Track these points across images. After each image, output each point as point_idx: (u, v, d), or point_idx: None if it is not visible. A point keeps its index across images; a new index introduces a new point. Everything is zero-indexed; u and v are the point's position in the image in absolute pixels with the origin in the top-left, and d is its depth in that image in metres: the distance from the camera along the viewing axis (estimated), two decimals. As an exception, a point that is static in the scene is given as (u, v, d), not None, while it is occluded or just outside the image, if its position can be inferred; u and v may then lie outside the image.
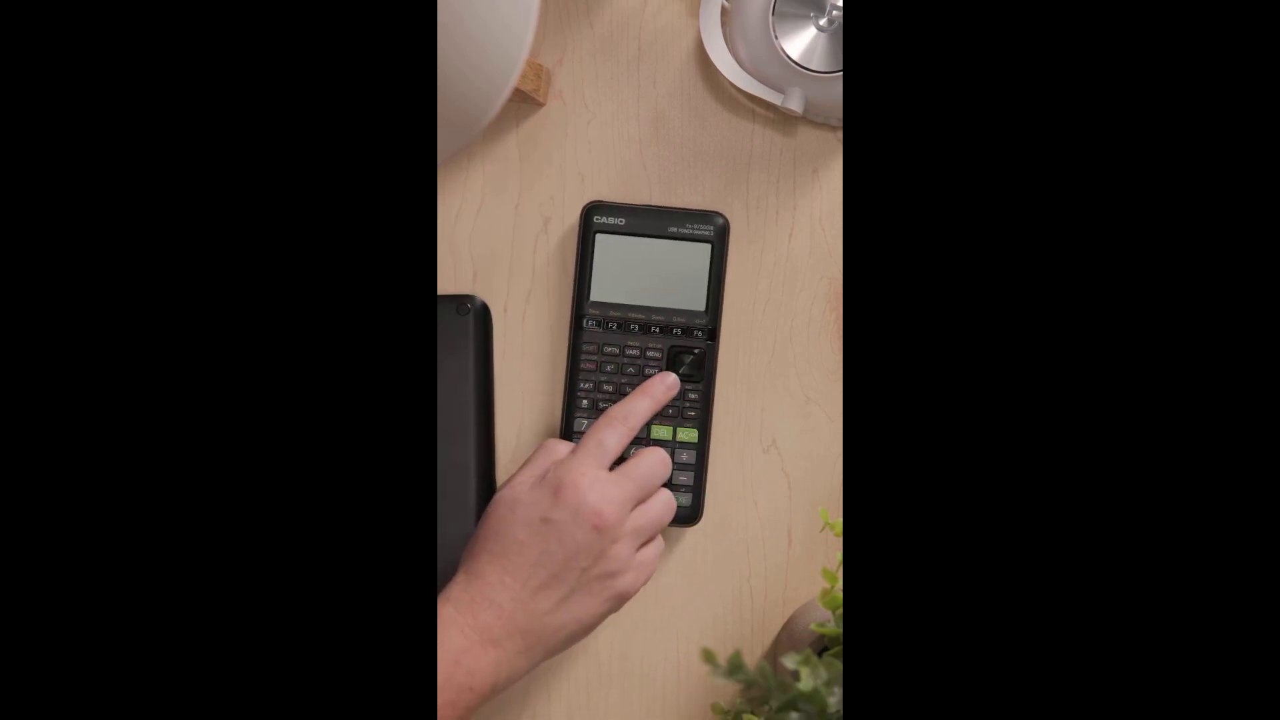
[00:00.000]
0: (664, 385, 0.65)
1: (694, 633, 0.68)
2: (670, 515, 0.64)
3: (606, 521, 0.60)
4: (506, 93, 0.56)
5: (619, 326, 0.66)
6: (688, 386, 0.66)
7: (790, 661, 0.47)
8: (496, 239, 0.69)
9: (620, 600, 0.62)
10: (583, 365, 0.66)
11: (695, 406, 0.66)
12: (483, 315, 0.68)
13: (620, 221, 0.67)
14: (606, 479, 0.61)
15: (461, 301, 0.67)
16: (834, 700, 0.47)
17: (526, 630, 0.59)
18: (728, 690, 0.68)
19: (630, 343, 0.66)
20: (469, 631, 0.58)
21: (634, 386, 0.66)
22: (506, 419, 0.69)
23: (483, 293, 0.69)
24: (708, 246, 0.66)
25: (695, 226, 0.66)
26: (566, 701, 0.68)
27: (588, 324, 0.66)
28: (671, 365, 0.66)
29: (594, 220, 0.67)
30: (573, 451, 0.63)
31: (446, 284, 0.69)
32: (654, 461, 0.63)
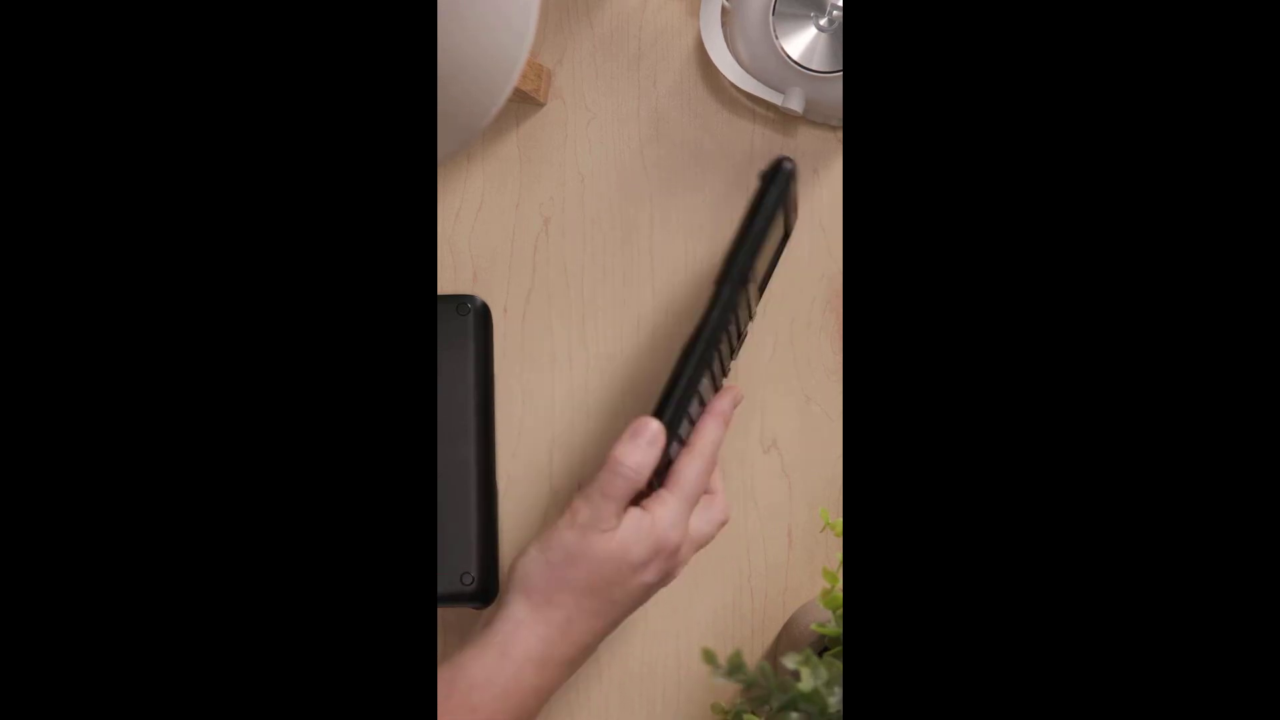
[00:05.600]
0: (732, 402, 0.62)
1: (694, 633, 0.68)
2: (722, 520, 0.61)
3: (680, 557, 0.59)
4: (506, 93, 0.56)
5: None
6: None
7: (790, 661, 0.47)
8: (496, 239, 0.69)
9: None
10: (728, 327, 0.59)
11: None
12: (483, 315, 0.68)
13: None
14: (684, 518, 0.58)
15: (461, 301, 0.67)
16: (834, 700, 0.47)
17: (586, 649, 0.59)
18: (728, 690, 0.68)
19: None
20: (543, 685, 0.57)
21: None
22: (506, 419, 0.69)
23: (483, 293, 0.68)
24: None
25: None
26: (567, 701, 0.68)
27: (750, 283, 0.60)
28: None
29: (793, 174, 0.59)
30: (681, 504, 0.58)
31: (446, 284, 0.69)
32: (700, 470, 0.59)
